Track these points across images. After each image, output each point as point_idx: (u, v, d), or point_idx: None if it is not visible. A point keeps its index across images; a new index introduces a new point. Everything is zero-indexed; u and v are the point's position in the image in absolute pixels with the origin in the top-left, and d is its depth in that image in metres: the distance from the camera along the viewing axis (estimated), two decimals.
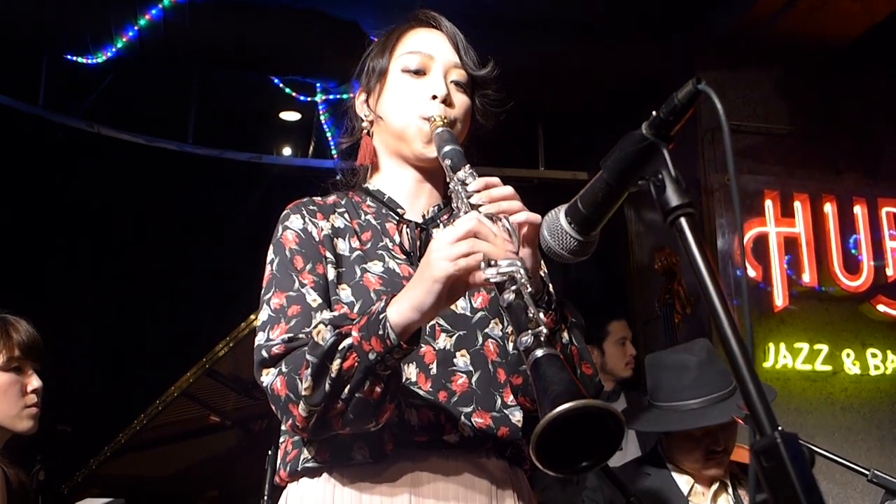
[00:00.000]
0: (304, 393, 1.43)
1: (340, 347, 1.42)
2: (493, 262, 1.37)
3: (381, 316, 1.41)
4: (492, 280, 1.36)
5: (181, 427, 3.78)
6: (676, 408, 2.85)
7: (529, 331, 1.30)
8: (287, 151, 6.85)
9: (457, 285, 1.41)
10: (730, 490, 2.90)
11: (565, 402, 1.15)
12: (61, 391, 2.89)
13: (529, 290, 1.35)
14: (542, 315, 1.32)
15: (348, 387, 1.42)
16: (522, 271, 1.36)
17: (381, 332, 1.39)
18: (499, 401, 1.63)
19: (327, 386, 1.42)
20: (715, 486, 2.89)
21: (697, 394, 2.82)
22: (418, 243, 1.74)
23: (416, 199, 1.81)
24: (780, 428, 0.99)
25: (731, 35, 5.49)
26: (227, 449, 3.93)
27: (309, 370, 1.43)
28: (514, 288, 1.35)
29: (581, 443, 1.21)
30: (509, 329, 1.69)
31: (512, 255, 1.39)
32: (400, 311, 1.40)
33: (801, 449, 0.99)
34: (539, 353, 1.28)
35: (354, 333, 1.42)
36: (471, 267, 1.37)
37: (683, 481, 2.91)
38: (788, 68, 5.73)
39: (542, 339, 1.29)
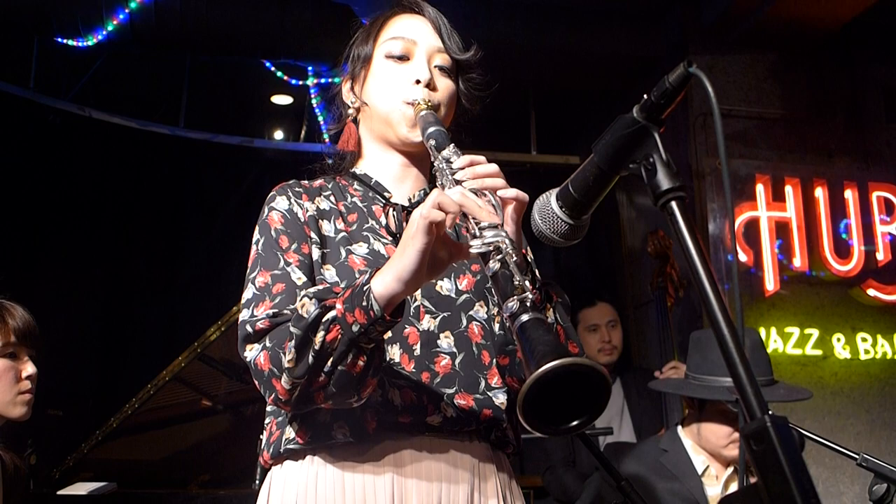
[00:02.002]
0: (287, 365, 1.44)
1: (324, 320, 1.42)
2: (477, 234, 1.38)
3: (365, 287, 1.41)
4: (476, 250, 1.37)
5: (173, 411, 3.78)
6: (717, 382, 2.86)
7: (515, 297, 1.29)
8: (279, 135, 6.83)
9: (439, 254, 1.42)
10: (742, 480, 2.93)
11: (551, 361, 1.14)
12: (53, 376, 2.88)
13: (515, 259, 1.35)
14: (527, 283, 1.32)
15: (331, 359, 1.42)
16: (507, 241, 1.36)
17: (364, 304, 1.40)
18: (482, 383, 1.64)
19: (311, 358, 1.42)
20: (729, 471, 2.92)
21: None
22: (405, 225, 1.73)
23: (402, 182, 1.82)
24: (770, 412, 0.99)
25: (723, 19, 5.48)
26: (218, 433, 3.94)
27: (292, 342, 1.43)
28: (499, 257, 1.35)
29: (568, 403, 1.20)
30: (495, 311, 1.70)
31: (496, 223, 1.39)
32: (385, 281, 1.40)
33: (791, 433, 0.99)
34: (525, 317, 1.27)
35: (339, 306, 1.42)
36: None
37: (699, 461, 2.94)
38: (780, 53, 5.73)
39: (528, 304, 1.29)
